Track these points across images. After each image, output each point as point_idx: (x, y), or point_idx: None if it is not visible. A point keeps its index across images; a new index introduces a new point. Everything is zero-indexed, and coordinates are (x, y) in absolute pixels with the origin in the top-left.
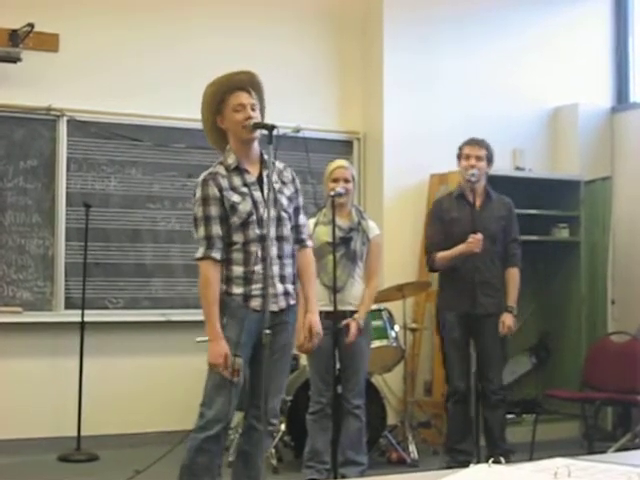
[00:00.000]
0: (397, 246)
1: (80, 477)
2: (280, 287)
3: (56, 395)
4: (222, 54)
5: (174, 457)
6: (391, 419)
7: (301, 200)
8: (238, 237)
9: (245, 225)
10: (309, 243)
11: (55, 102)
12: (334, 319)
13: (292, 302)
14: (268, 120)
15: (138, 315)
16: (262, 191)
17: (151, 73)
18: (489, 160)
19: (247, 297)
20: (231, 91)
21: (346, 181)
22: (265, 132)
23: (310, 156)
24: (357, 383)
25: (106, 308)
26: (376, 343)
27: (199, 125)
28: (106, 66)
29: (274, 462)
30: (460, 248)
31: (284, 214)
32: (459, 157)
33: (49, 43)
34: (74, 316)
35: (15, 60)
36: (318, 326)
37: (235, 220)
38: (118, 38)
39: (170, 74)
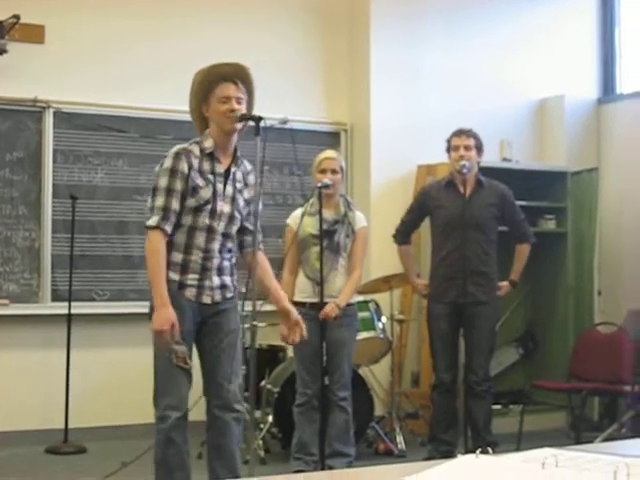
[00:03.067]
0: (384, 237)
1: (68, 469)
2: (217, 280)
3: (43, 387)
4: (208, 46)
5: None
6: (378, 410)
7: (261, 205)
8: (186, 220)
9: (198, 210)
10: (262, 246)
11: (41, 94)
12: (319, 310)
13: (229, 295)
14: (255, 111)
15: (125, 307)
16: (225, 185)
17: (137, 65)
18: (478, 149)
19: (182, 285)
20: (218, 81)
21: (334, 172)
22: (252, 124)
23: (297, 147)
24: (342, 375)
25: (93, 300)
26: (363, 335)
27: (186, 117)
28: (92, 58)
29: (262, 453)
30: (413, 280)
31: (237, 214)
32: (448, 150)
33: (35, 35)
34: (61, 308)
35: (1, 52)
36: (294, 313)
37: (191, 202)
38: (104, 30)
39: (156, 66)
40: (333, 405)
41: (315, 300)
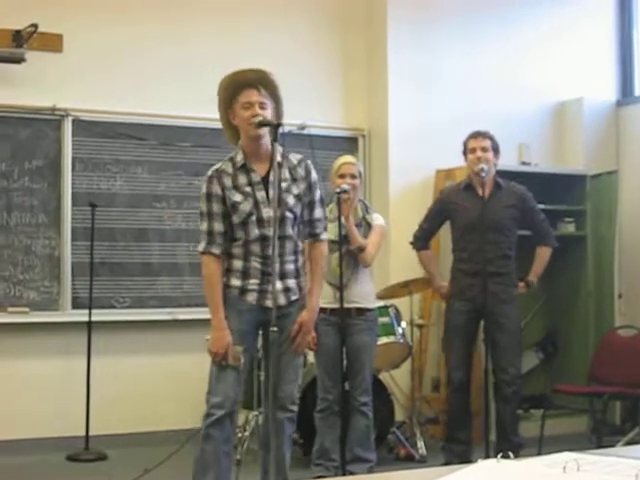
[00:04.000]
0: (403, 242)
1: (89, 477)
2: (279, 284)
3: (64, 395)
4: (226, 52)
5: (183, 455)
6: (399, 415)
7: (317, 194)
8: (240, 234)
9: (245, 224)
10: (323, 237)
11: (60, 102)
12: (339, 316)
13: (293, 298)
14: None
15: (145, 314)
16: (267, 190)
17: (155, 72)
18: (495, 150)
19: (243, 291)
20: (242, 88)
21: (352, 177)
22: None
23: (315, 153)
24: (363, 380)
25: (113, 307)
26: (383, 340)
27: (204, 124)
28: (110, 65)
29: None
30: (437, 282)
31: (289, 214)
32: (465, 152)
33: (53, 43)
34: (81, 316)
35: (19, 61)
36: (308, 325)
37: (235, 219)
38: (122, 37)
39: (175, 73)
40: (354, 410)
41: (336, 306)
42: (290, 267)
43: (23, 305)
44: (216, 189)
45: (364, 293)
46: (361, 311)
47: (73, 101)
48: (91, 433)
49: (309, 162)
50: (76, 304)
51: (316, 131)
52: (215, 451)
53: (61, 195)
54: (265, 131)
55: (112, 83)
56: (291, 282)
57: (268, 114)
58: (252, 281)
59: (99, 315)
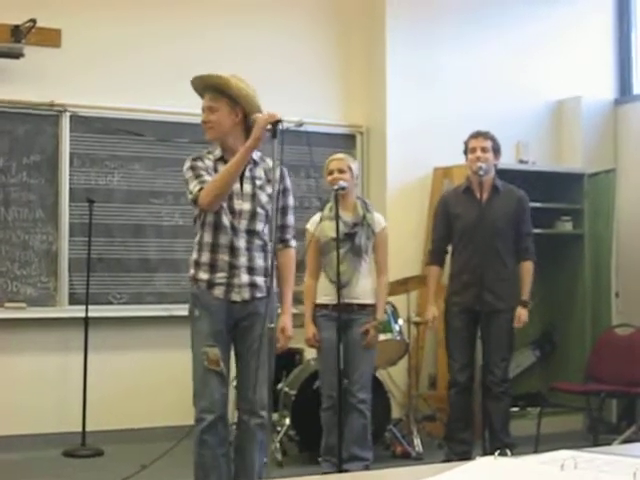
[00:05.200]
0: (401, 240)
1: (85, 472)
2: (246, 278)
3: (61, 390)
4: (224, 48)
5: (179, 452)
6: (395, 413)
7: (291, 200)
8: (210, 218)
9: (217, 212)
10: (292, 243)
11: (58, 97)
12: (341, 312)
13: (259, 295)
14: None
15: (142, 310)
16: (242, 185)
17: (153, 68)
18: (495, 151)
19: (211, 284)
20: (200, 95)
21: (340, 172)
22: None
23: (313, 150)
24: (361, 375)
25: (110, 303)
26: (380, 337)
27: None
28: (108, 61)
29: (279, 456)
30: (429, 307)
31: (260, 210)
32: (465, 152)
33: (51, 38)
34: (78, 311)
35: (18, 56)
36: (288, 328)
37: None
38: (120, 33)
39: (172, 68)
40: (351, 408)
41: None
42: (259, 263)
43: (20, 301)
44: (203, 163)
45: (366, 289)
46: (362, 306)
47: (71, 96)
48: (88, 429)
49: (284, 168)
50: (73, 300)
51: (314, 128)
52: (213, 455)
53: (59, 191)
54: (211, 136)
55: (110, 79)
56: (259, 279)
57: (215, 117)
58: (220, 274)
59: (96, 311)
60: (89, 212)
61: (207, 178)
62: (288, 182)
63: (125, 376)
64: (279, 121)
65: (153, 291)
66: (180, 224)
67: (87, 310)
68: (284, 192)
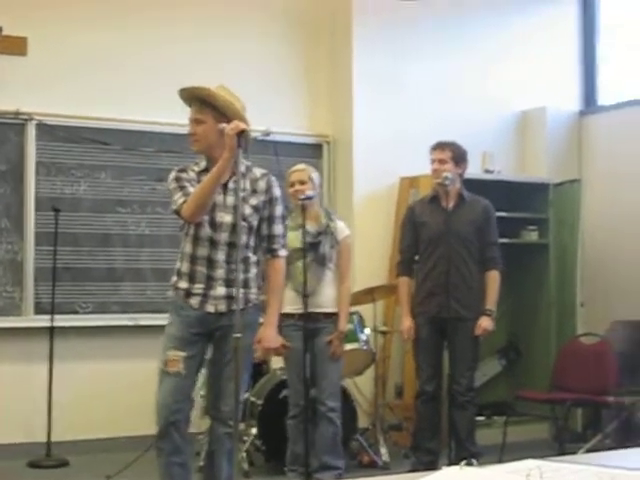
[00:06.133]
0: (367, 249)
1: None
2: (222, 290)
3: (26, 400)
4: (191, 57)
5: (144, 462)
6: (362, 422)
7: (278, 210)
8: (191, 230)
9: (198, 224)
10: (281, 253)
11: (23, 106)
12: (306, 322)
13: (235, 307)
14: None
15: (108, 320)
16: (225, 196)
17: (120, 77)
18: (456, 161)
19: (189, 294)
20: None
21: (301, 183)
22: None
23: (280, 160)
24: (330, 383)
25: (76, 313)
26: (347, 346)
27: (168, 129)
28: (74, 70)
29: (245, 466)
30: (404, 319)
31: (243, 223)
32: (431, 162)
33: (17, 47)
34: (43, 321)
35: None
36: (267, 342)
37: None
38: (86, 42)
39: (139, 78)
40: (321, 416)
41: (303, 311)
42: (239, 275)
43: None
44: (186, 175)
45: (331, 298)
46: (328, 315)
47: (37, 105)
48: (53, 439)
49: (273, 178)
50: (38, 309)
51: (281, 137)
52: (166, 463)
53: (24, 200)
54: (195, 148)
55: (76, 87)
56: (236, 291)
57: (201, 129)
58: (197, 285)
59: (62, 320)
60: (55, 221)
61: (190, 190)
62: (276, 191)
63: (91, 386)
64: (244, 130)
65: (119, 300)
66: (146, 233)
67: (52, 320)
68: (270, 202)
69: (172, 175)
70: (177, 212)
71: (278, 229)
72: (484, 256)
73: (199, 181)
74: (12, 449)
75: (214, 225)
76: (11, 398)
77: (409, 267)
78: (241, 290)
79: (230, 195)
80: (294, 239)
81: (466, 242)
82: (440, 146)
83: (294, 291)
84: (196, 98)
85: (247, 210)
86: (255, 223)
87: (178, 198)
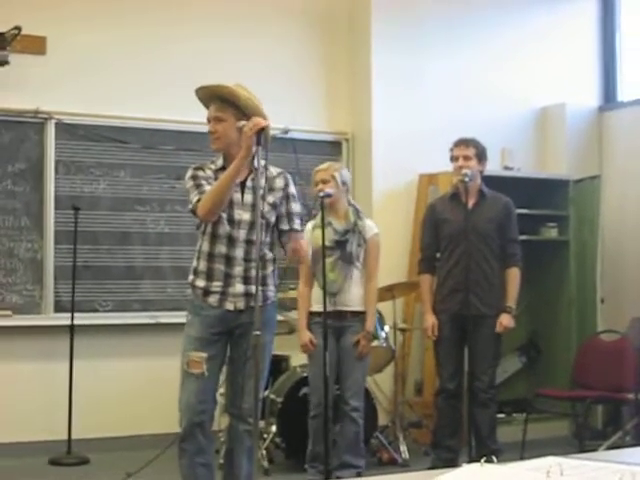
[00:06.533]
0: (387, 246)
1: None
2: (240, 287)
3: (46, 398)
4: (209, 56)
5: (165, 460)
6: (382, 419)
7: (295, 206)
8: (209, 228)
9: (216, 222)
10: (297, 227)
11: (43, 105)
12: (334, 320)
13: (253, 304)
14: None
15: (128, 318)
16: (243, 194)
17: (138, 75)
18: (479, 158)
19: (207, 292)
20: (205, 105)
21: (324, 182)
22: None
23: (299, 157)
24: (354, 382)
25: (96, 311)
26: None
27: (187, 127)
28: (93, 69)
29: (265, 464)
30: (427, 316)
31: (260, 220)
32: (451, 159)
33: (36, 46)
34: (64, 319)
35: (2, 63)
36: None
37: None
38: (105, 41)
39: (158, 76)
40: (344, 415)
41: (330, 309)
42: (257, 273)
43: (5, 309)
44: (203, 173)
45: (358, 297)
46: (355, 313)
47: (56, 104)
48: (73, 437)
49: (288, 175)
50: (58, 308)
51: (299, 135)
52: (190, 465)
53: (44, 198)
54: (216, 147)
55: (95, 86)
56: (254, 288)
57: (222, 127)
58: (215, 283)
59: (82, 319)
60: (74, 220)
61: (207, 188)
62: (292, 189)
63: (111, 384)
64: (264, 128)
65: (139, 298)
66: (166, 231)
67: (73, 318)
68: (287, 198)
69: (189, 173)
70: (193, 211)
71: (296, 224)
72: (505, 253)
73: (216, 179)
74: (33, 447)
75: (232, 222)
76: (32, 396)
77: (431, 264)
78: (261, 287)
79: (248, 193)
80: (320, 237)
81: (487, 239)
82: (464, 142)
83: (321, 289)
84: (216, 96)
85: (265, 207)
86: (272, 220)
87: (194, 197)
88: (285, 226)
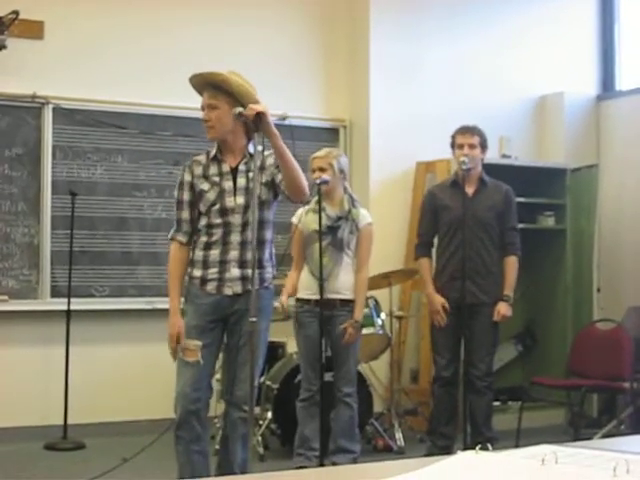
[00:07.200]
0: (383, 234)
1: (67, 465)
2: (237, 272)
3: (42, 383)
4: (207, 41)
5: (161, 445)
6: (377, 407)
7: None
8: (203, 222)
9: (208, 212)
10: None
11: (40, 90)
12: (322, 307)
13: (250, 287)
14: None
15: (124, 303)
16: (235, 180)
17: (136, 61)
18: (483, 147)
19: (204, 280)
20: (199, 93)
21: (321, 170)
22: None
23: (296, 144)
24: (348, 371)
25: (92, 296)
26: (362, 331)
27: (185, 112)
28: (91, 53)
29: (260, 450)
30: (430, 298)
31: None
32: (452, 146)
33: (34, 30)
34: (60, 304)
35: (0, 48)
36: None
37: (201, 207)
38: (103, 26)
39: (155, 61)
40: (338, 401)
41: (318, 297)
42: (253, 255)
43: (2, 293)
44: (187, 177)
45: (348, 284)
46: (345, 302)
47: (54, 89)
48: (69, 422)
49: None
50: (55, 292)
51: (297, 122)
52: (185, 451)
53: (41, 183)
54: (212, 135)
55: (93, 71)
56: (250, 272)
57: (215, 115)
58: (212, 270)
59: (78, 304)
60: (71, 205)
61: (184, 225)
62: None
63: (107, 369)
64: (259, 113)
65: (135, 284)
66: (163, 217)
67: (69, 303)
68: (278, 167)
69: (179, 178)
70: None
71: None
72: (504, 241)
73: (204, 175)
74: (29, 432)
75: (226, 210)
76: (28, 381)
77: (428, 248)
78: (257, 270)
79: (241, 177)
80: (312, 221)
81: (487, 227)
82: (469, 130)
83: (310, 274)
84: (209, 84)
85: (260, 189)
86: (270, 198)
87: (172, 230)
88: (281, 176)
